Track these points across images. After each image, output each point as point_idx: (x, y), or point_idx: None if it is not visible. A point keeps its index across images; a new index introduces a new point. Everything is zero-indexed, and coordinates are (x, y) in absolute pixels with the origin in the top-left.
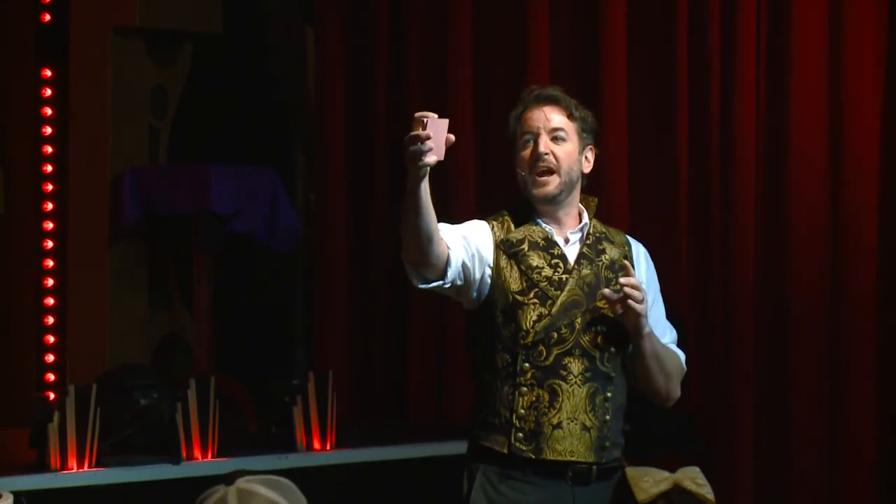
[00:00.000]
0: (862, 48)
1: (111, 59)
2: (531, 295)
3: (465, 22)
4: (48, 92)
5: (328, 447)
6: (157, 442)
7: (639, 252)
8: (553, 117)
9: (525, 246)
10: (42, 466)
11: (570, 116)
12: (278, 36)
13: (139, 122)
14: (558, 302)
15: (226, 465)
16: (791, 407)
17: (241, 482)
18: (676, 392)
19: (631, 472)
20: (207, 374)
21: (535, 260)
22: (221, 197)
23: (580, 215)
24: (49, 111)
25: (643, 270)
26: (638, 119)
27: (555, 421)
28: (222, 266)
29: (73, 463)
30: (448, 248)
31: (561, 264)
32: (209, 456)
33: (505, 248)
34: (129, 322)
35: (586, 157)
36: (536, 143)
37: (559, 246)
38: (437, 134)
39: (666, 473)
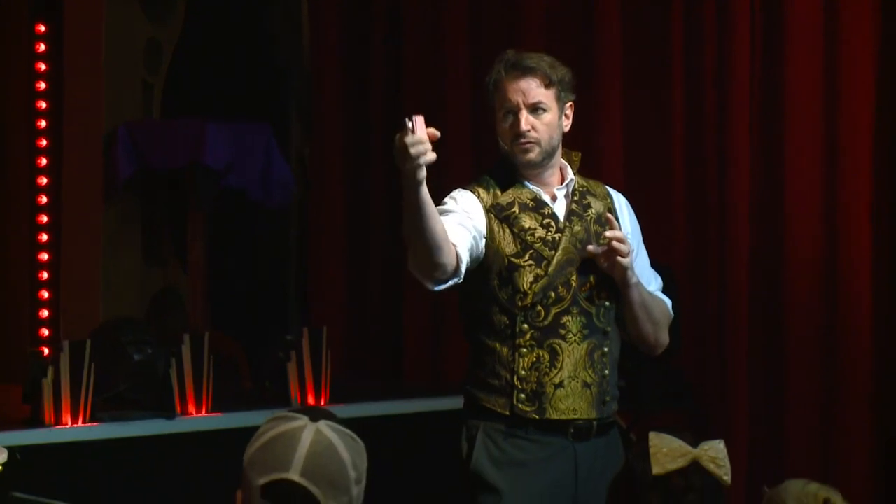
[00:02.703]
0: (857, 39)
1: (105, 14)
2: (526, 257)
3: None
4: (42, 47)
5: (322, 402)
6: (151, 397)
7: (620, 203)
8: (531, 90)
9: (515, 209)
10: (36, 422)
11: (548, 84)
12: None
13: (133, 78)
14: (554, 261)
15: (220, 420)
16: (785, 366)
17: (323, 425)
18: (665, 339)
19: (654, 438)
20: (202, 329)
21: (527, 221)
22: (215, 152)
23: (563, 171)
24: (43, 66)
25: (626, 221)
26: (633, 108)
27: (556, 380)
28: (216, 222)
29: (67, 418)
30: (454, 245)
31: (553, 223)
32: (203, 411)
33: (496, 212)
34: (124, 278)
35: (566, 115)
36: (517, 119)
37: (549, 205)
38: (423, 133)
39: (687, 447)
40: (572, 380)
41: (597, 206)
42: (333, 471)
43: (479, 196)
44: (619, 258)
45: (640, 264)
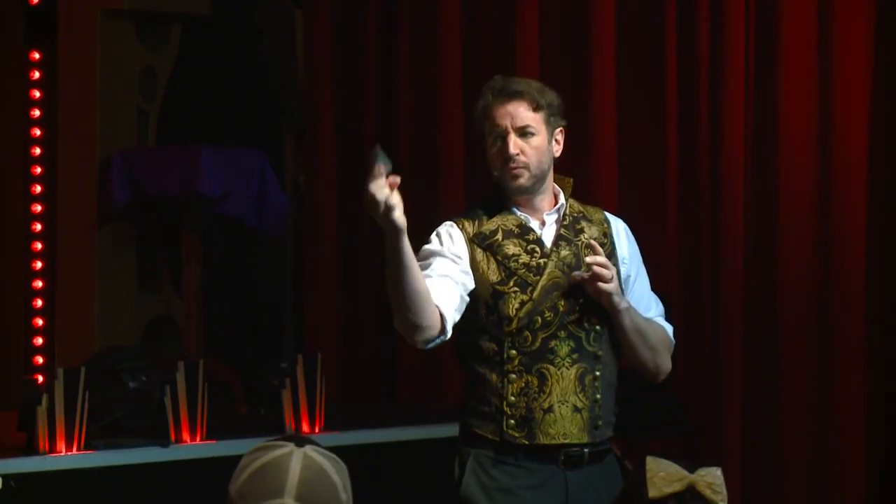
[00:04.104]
0: (851, 41)
1: (100, 42)
2: (511, 283)
3: (454, 5)
4: (36, 74)
5: (317, 430)
6: (146, 425)
7: (618, 228)
8: (519, 114)
9: (499, 236)
10: (30, 449)
11: (536, 108)
12: (267, 18)
13: (128, 105)
14: (538, 286)
15: (214, 448)
16: (780, 392)
17: (310, 449)
18: (666, 365)
19: (651, 462)
20: (196, 356)
21: (511, 248)
22: (210, 179)
23: (556, 197)
24: (38, 94)
25: (623, 246)
26: (627, 106)
27: (545, 405)
28: (211, 248)
29: (61, 446)
30: (438, 305)
31: (537, 249)
32: (198, 439)
33: (479, 241)
34: (118, 304)
35: (556, 140)
36: (506, 143)
37: (534, 231)
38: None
39: (684, 472)
40: (562, 404)
41: (591, 232)
42: (327, 494)
43: (462, 228)
44: (601, 284)
45: (639, 290)
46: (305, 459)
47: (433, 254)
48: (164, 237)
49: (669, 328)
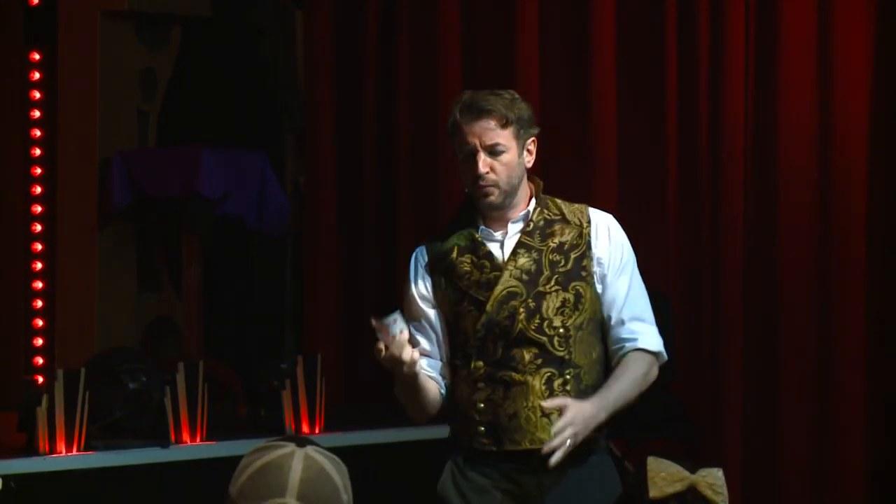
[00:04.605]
0: (851, 41)
1: (100, 43)
2: (465, 303)
3: (454, 6)
4: (37, 75)
5: (317, 431)
6: (146, 425)
7: (599, 226)
8: (488, 132)
9: (454, 254)
10: (31, 450)
11: (505, 124)
12: (267, 19)
13: (128, 106)
14: (491, 300)
15: (214, 448)
16: (780, 392)
17: (311, 449)
18: (651, 381)
19: (652, 463)
20: (196, 357)
21: (464, 266)
22: (210, 180)
23: (529, 202)
24: (38, 94)
25: (602, 246)
26: (627, 106)
27: (510, 411)
28: (211, 249)
29: (61, 447)
30: (437, 383)
31: (487, 263)
32: (198, 440)
33: (437, 265)
34: (118, 305)
35: (528, 151)
36: (475, 161)
37: (484, 245)
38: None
39: (685, 472)
40: (526, 410)
41: (564, 235)
42: (328, 494)
43: (426, 255)
44: (562, 439)
45: (614, 292)
46: (307, 460)
47: (414, 329)
48: (165, 238)
49: (650, 340)
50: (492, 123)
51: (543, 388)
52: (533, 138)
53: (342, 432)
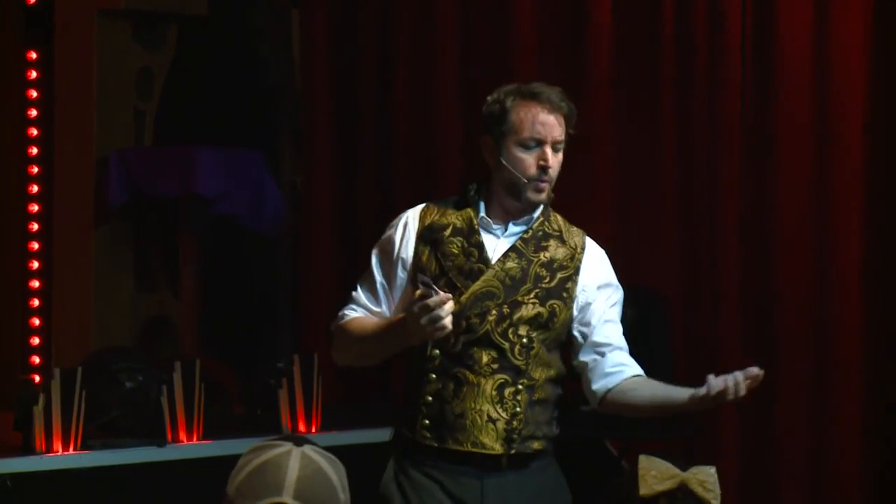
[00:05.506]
0: (848, 35)
1: (96, 42)
2: (440, 283)
3: (452, 5)
4: (33, 74)
5: (314, 430)
6: (143, 425)
7: (591, 257)
8: (557, 128)
9: (448, 231)
10: (27, 449)
11: (567, 126)
12: (264, 18)
13: (125, 105)
14: (468, 291)
15: (211, 447)
16: (777, 394)
17: (308, 448)
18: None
19: (644, 461)
20: (193, 356)
21: (453, 247)
22: (207, 179)
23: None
24: (34, 93)
25: (589, 274)
26: (623, 112)
27: (457, 410)
28: (208, 248)
29: (58, 446)
30: None
31: (476, 253)
32: (194, 439)
33: (427, 235)
34: (115, 304)
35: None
36: (544, 153)
37: (479, 234)
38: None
39: (676, 470)
40: (473, 412)
41: (556, 253)
42: (325, 493)
43: (422, 218)
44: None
45: (596, 318)
46: (304, 459)
47: (374, 288)
48: (161, 237)
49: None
50: (562, 120)
51: (494, 393)
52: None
53: (339, 431)
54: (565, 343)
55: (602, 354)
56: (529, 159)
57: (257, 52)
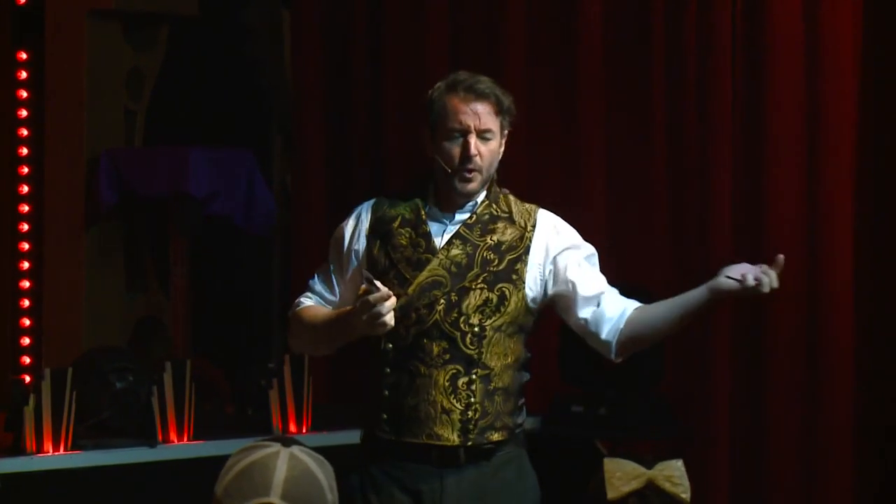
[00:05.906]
0: (838, 36)
1: (87, 42)
2: (390, 275)
3: (442, 5)
4: (24, 74)
5: (304, 430)
6: (134, 425)
7: (542, 230)
8: (484, 116)
9: (396, 223)
10: (18, 450)
11: (497, 112)
12: (255, 18)
13: (115, 105)
14: (415, 282)
15: (202, 448)
16: (768, 392)
17: (296, 449)
18: None
19: (608, 464)
20: (183, 356)
21: (401, 238)
22: (198, 180)
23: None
24: (25, 94)
25: (545, 245)
26: (614, 115)
27: (412, 403)
28: (199, 249)
29: (48, 446)
30: None
31: (423, 243)
32: (185, 439)
33: (377, 228)
34: (106, 304)
35: (502, 144)
36: (467, 143)
37: (425, 224)
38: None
39: (642, 469)
40: (427, 404)
41: (505, 236)
42: (313, 493)
43: (373, 213)
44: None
45: (587, 273)
46: (291, 459)
47: (325, 278)
48: (152, 237)
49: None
50: (489, 108)
51: (447, 384)
52: (507, 131)
53: (329, 432)
54: (531, 328)
55: (597, 304)
56: (455, 149)
57: (248, 53)
